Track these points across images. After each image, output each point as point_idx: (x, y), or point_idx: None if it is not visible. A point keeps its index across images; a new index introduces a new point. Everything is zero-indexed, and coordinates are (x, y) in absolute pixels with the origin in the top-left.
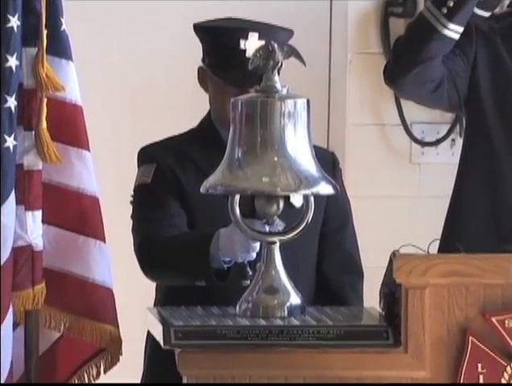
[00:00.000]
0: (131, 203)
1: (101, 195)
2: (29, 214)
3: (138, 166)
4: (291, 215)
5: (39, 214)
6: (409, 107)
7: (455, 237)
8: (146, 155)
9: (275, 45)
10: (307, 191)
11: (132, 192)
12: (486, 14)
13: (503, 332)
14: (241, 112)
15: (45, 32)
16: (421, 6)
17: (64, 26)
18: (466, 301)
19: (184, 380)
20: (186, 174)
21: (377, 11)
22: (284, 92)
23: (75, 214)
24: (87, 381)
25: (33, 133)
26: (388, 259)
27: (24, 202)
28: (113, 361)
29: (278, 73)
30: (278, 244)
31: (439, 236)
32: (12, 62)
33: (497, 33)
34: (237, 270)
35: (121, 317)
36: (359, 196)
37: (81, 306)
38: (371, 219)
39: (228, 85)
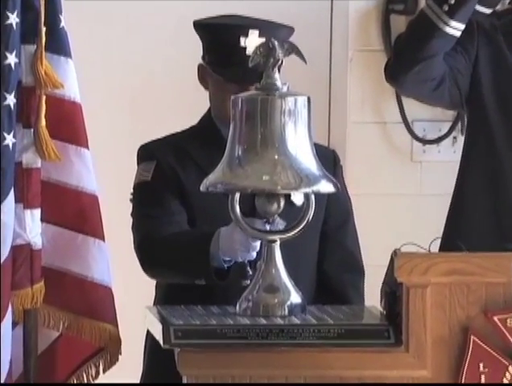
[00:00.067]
0: (131, 200)
1: (100, 194)
2: (28, 212)
3: (138, 164)
4: (292, 213)
5: (37, 212)
6: (410, 105)
7: (456, 235)
8: (146, 152)
9: (276, 42)
10: (308, 189)
11: (132, 190)
12: (488, 11)
13: (505, 331)
14: (242, 109)
15: (44, 29)
16: (422, 3)
17: (62, 24)
18: (468, 300)
19: (184, 380)
20: (186, 171)
21: (378, 8)
22: (285, 89)
23: (74, 212)
24: (86, 381)
25: (32, 130)
26: (389, 257)
27: (23, 200)
28: (112, 360)
29: (279, 71)
30: (278, 242)
31: (440, 235)
32: (11, 59)
33: (498, 30)
34: (237, 270)
35: (120, 316)
36: (360, 194)
37: (80, 305)
38: (372, 217)
39: (228, 83)
